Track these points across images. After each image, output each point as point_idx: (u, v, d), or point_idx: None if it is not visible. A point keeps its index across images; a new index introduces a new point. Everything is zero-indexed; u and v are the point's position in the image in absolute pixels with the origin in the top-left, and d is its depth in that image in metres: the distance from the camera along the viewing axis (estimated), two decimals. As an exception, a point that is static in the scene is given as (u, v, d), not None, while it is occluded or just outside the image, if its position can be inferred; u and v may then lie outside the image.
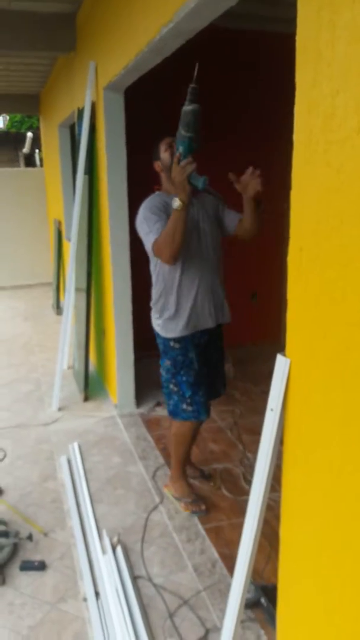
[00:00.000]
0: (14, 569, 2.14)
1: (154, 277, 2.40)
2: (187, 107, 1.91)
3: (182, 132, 1.97)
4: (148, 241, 2.22)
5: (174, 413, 2.46)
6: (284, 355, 1.34)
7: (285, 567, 1.47)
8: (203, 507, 2.51)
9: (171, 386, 2.42)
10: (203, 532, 2.37)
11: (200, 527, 2.41)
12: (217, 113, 3.94)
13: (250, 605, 1.95)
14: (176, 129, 2.03)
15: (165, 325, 2.36)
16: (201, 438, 3.21)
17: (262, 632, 1.85)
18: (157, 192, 2.40)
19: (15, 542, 2.23)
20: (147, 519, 2.46)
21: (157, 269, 2.35)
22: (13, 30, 3.81)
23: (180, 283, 2.31)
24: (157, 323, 2.41)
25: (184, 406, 2.40)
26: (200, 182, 2.02)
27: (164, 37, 2.16)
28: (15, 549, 2.23)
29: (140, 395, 3.68)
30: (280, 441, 1.40)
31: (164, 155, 2.33)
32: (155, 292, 2.40)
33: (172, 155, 2.25)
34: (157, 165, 2.39)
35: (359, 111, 1.03)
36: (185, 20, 1.96)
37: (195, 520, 2.45)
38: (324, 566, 1.27)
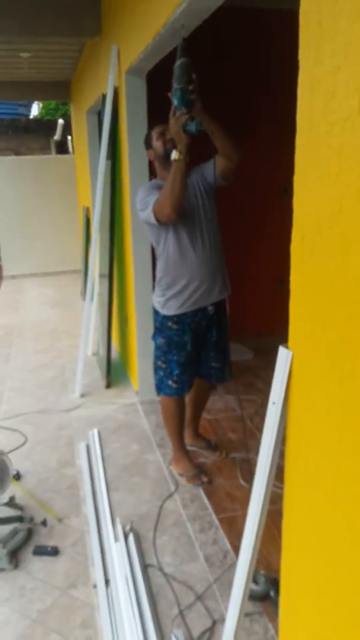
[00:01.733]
0: (27, 554, 2.18)
1: (158, 255, 2.47)
2: (176, 62, 2.00)
3: (174, 85, 2.05)
4: (148, 209, 2.27)
5: (158, 387, 2.58)
6: (287, 347, 1.29)
7: (287, 561, 1.44)
8: (205, 479, 2.61)
9: (159, 362, 2.52)
10: (217, 522, 2.36)
11: (214, 516, 2.39)
12: (233, 97, 3.85)
13: (259, 597, 1.93)
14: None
15: (166, 303, 2.43)
16: (220, 427, 3.19)
17: (269, 625, 1.82)
18: (152, 181, 2.47)
19: (29, 527, 2.27)
20: (161, 507, 2.46)
21: (160, 248, 2.41)
22: (38, 16, 3.79)
23: (182, 264, 2.37)
24: (158, 301, 2.47)
25: (170, 382, 2.51)
26: (193, 126, 2.08)
27: (179, 17, 2.10)
28: (29, 533, 2.27)
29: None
30: (283, 435, 1.36)
31: (156, 143, 2.39)
32: (158, 271, 2.47)
33: (164, 144, 2.34)
34: (150, 154, 2.47)
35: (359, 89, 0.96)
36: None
37: (210, 510, 2.44)
38: (324, 561, 1.23)
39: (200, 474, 2.64)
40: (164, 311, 2.45)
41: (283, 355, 1.29)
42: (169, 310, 2.43)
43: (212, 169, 2.36)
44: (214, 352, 2.57)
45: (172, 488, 2.61)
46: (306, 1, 1.10)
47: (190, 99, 2.08)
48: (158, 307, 2.48)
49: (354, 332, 1.03)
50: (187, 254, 2.36)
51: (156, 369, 2.57)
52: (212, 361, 2.60)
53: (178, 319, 2.43)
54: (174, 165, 2.15)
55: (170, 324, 2.45)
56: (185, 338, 2.45)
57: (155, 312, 2.53)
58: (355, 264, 1.01)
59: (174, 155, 2.14)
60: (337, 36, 1.01)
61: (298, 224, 1.21)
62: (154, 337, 2.56)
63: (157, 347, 2.54)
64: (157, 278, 2.48)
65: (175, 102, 2.09)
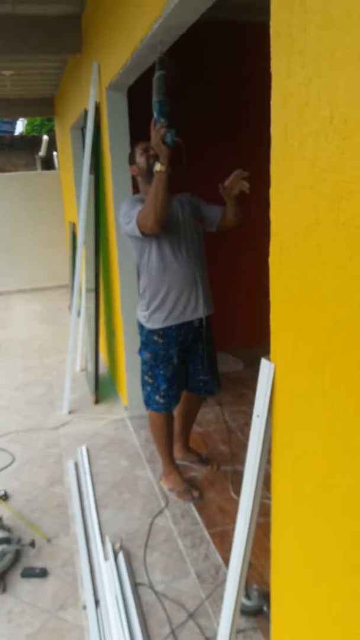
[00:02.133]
0: (16, 576, 2.13)
1: (140, 269, 2.48)
2: (154, 75, 2.09)
3: (153, 98, 2.10)
4: (132, 221, 2.29)
5: (146, 402, 2.57)
6: (269, 359, 1.28)
7: (277, 575, 1.42)
8: (196, 494, 2.60)
9: (146, 377, 2.52)
10: (208, 536, 2.33)
11: (205, 532, 2.36)
12: (213, 107, 3.88)
13: (253, 613, 1.90)
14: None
15: (151, 316, 2.43)
16: (211, 439, 3.16)
17: (263, 642, 1.79)
18: (135, 195, 2.50)
19: (17, 549, 2.23)
20: (151, 524, 2.43)
21: (143, 261, 2.42)
22: (19, 35, 3.81)
23: (164, 275, 2.38)
24: (143, 315, 2.47)
25: (157, 398, 2.50)
26: (168, 137, 2.12)
27: (156, 33, 2.12)
28: (17, 555, 2.23)
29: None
30: (268, 448, 1.34)
31: (140, 159, 2.41)
32: (141, 285, 2.48)
33: (147, 159, 2.37)
34: (133, 170, 2.50)
35: (331, 100, 0.97)
36: (174, 15, 1.91)
37: (201, 524, 2.41)
38: (313, 575, 1.21)
39: (190, 488, 2.61)
40: (149, 325, 2.44)
41: (265, 368, 1.28)
42: (154, 323, 2.42)
43: (214, 213, 2.51)
44: (202, 366, 2.56)
45: (163, 504, 2.58)
46: (277, 13, 1.11)
47: (169, 110, 2.11)
48: (143, 321, 2.47)
49: (333, 343, 1.02)
50: (170, 264, 2.37)
51: (143, 384, 2.56)
52: (200, 374, 2.58)
53: (164, 332, 2.42)
54: (156, 176, 2.17)
55: (156, 338, 2.44)
56: (172, 352, 2.44)
57: (140, 327, 2.51)
58: (332, 275, 1.01)
59: (157, 167, 2.16)
60: (307, 47, 1.02)
61: (276, 235, 1.21)
62: (140, 352, 2.54)
63: (143, 362, 2.53)
64: (141, 291, 2.49)
65: (155, 114, 2.13)
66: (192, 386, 2.62)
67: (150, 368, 2.48)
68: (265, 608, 1.89)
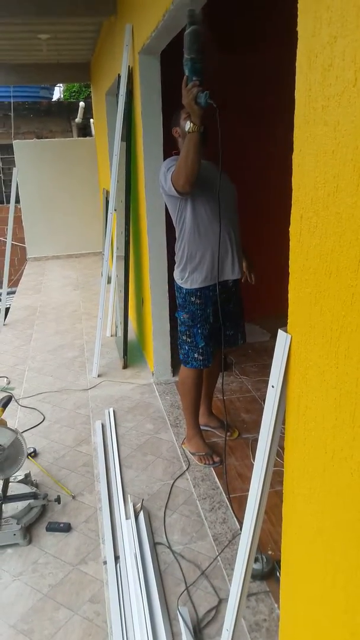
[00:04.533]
0: (41, 530, 2.24)
1: (178, 231, 2.49)
2: (186, 31, 1.93)
3: (184, 55, 1.99)
4: (169, 180, 2.30)
5: (184, 361, 2.63)
6: (286, 330, 1.27)
7: (287, 543, 1.44)
8: (217, 459, 2.66)
9: (184, 337, 2.58)
10: (227, 501, 2.37)
11: (224, 496, 2.41)
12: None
13: (265, 577, 1.95)
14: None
15: (189, 277, 2.47)
16: (233, 407, 3.19)
17: (275, 605, 1.84)
18: (175, 156, 2.46)
19: (43, 504, 2.33)
20: (172, 486, 2.49)
21: (180, 222, 2.44)
22: (52, -4, 3.76)
23: (201, 236, 2.40)
24: (181, 276, 2.51)
25: (196, 355, 2.57)
26: (202, 98, 2.01)
27: (187, -8, 2.05)
28: (43, 510, 2.33)
29: (177, 363, 3.68)
30: (282, 418, 1.35)
31: (183, 122, 2.37)
32: (178, 247, 2.50)
33: (180, 135, 2.37)
34: (176, 132, 2.48)
35: (356, 60, 0.93)
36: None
37: (220, 489, 2.46)
38: (321, 545, 1.23)
39: (212, 453, 2.67)
40: (187, 285, 2.48)
41: (282, 339, 1.27)
42: (193, 283, 2.46)
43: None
44: (229, 322, 2.63)
45: (184, 467, 2.64)
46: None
47: (201, 68, 2.00)
48: (180, 282, 2.52)
49: (348, 315, 1.01)
50: (206, 226, 2.38)
51: (181, 343, 2.62)
52: (227, 329, 2.65)
53: (201, 293, 2.47)
54: (188, 136, 2.12)
55: (193, 298, 2.49)
56: (208, 311, 2.50)
57: (178, 289, 2.55)
58: (350, 245, 0.98)
59: (188, 127, 2.11)
60: (334, 2, 0.97)
61: (297, 203, 1.18)
62: (178, 313, 2.60)
63: (181, 323, 2.59)
64: (177, 252, 2.52)
65: (186, 72, 2.01)
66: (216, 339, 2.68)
67: (188, 328, 2.55)
68: (277, 573, 1.93)
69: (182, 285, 2.51)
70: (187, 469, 2.62)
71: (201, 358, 2.57)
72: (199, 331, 2.52)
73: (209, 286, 2.46)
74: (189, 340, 2.56)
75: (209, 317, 2.51)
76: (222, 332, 2.59)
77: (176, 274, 2.55)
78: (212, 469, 2.60)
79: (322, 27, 1.01)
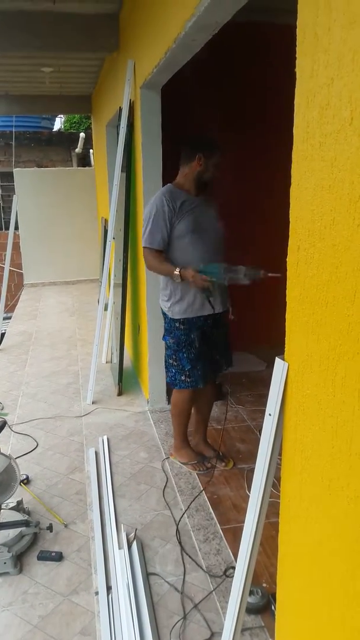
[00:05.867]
0: (32, 558, 2.20)
1: None
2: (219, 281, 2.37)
3: (211, 278, 2.37)
4: (145, 234, 2.51)
5: (172, 383, 2.72)
6: (283, 358, 1.29)
7: (283, 575, 1.43)
8: (209, 465, 2.76)
9: (171, 360, 2.67)
10: (221, 532, 2.34)
11: (218, 527, 2.38)
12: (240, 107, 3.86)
13: (260, 611, 1.91)
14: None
15: (172, 308, 2.59)
16: (228, 437, 3.17)
17: (270, 640, 1.80)
18: (170, 185, 2.57)
19: (35, 532, 2.29)
20: (167, 516, 2.46)
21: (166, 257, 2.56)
22: (57, 32, 3.89)
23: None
24: (165, 305, 2.64)
25: (182, 377, 2.65)
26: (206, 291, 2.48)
27: (189, 32, 2.14)
28: (35, 538, 2.29)
29: (172, 392, 3.68)
30: (279, 447, 1.35)
31: (208, 166, 2.48)
32: (162, 279, 2.62)
33: (212, 174, 2.50)
34: (199, 161, 2.49)
35: (352, 100, 0.97)
36: (207, 13, 1.92)
37: (215, 520, 2.43)
38: (318, 576, 1.22)
39: (203, 460, 2.73)
40: (170, 315, 2.59)
41: (279, 367, 1.29)
42: (174, 314, 2.57)
43: None
44: (216, 348, 2.69)
45: (179, 497, 2.61)
46: (304, 12, 1.11)
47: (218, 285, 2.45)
48: (165, 310, 2.63)
49: (344, 344, 1.03)
50: (189, 264, 2.46)
51: (168, 367, 2.70)
52: (214, 355, 2.71)
53: (185, 320, 2.56)
54: (169, 272, 2.45)
55: (177, 324, 2.58)
56: (192, 336, 2.59)
57: (164, 314, 2.67)
58: (347, 276, 1.01)
59: (176, 275, 2.41)
60: (331, 46, 1.02)
61: (294, 235, 1.21)
62: (164, 337, 2.70)
63: (167, 347, 2.68)
64: (162, 284, 2.63)
65: (207, 276, 2.37)
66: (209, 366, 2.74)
67: (174, 352, 2.63)
68: (273, 607, 1.90)
69: (167, 314, 2.62)
70: (182, 499, 2.59)
71: (188, 380, 2.63)
72: (185, 355, 2.60)
73: (192, 317, 2.56)
74: (175, 363, 2.64)
75: (193, 342, 2.59)
76: (212, 357, 2.67)
77: (161, 302, 2.67)
78: (207, 500, 2.57)
79: (320, 69, 1.06)
